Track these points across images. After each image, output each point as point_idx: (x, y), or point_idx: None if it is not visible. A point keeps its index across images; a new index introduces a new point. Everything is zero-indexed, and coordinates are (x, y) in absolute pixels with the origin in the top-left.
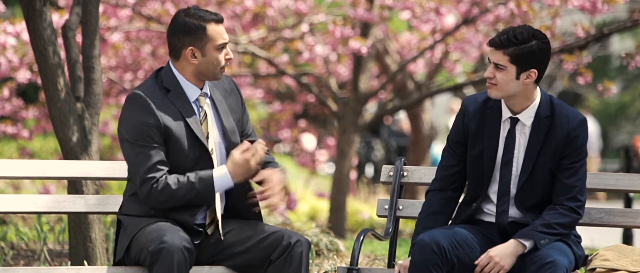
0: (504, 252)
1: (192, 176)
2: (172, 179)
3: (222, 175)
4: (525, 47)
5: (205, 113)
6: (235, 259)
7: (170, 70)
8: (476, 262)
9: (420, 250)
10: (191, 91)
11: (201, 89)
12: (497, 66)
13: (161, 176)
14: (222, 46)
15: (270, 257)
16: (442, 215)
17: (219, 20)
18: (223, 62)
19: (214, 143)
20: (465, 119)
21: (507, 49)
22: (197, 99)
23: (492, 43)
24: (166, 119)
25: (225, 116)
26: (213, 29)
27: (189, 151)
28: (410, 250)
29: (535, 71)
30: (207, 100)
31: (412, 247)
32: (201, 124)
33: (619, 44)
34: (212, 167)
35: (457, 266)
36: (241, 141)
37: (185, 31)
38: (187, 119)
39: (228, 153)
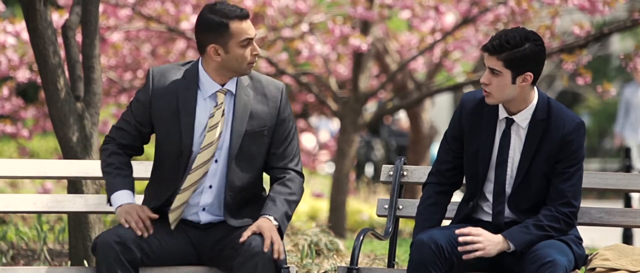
0: (493, 241)
1: (113, 172)
2: (109, 154)
3: (118, 199)
4: (518, 52)
5: (217, 107)
6: (222, 262)
7: (197, 62)
8: (464, 231)
9: (419, 249)
10: (209, 86)
11: (223, 85)
12: (492, 71)
13: (114, 141)
14: (247, 42)
15: (233, 263)
16: (439, 206)
17: (244, 16)
18: (249, 58)
19: (215, 139)
20: (462, 115)
21: (500, 54)
22: (215, 94)
23: (485, 48)
24: (158, 103)
25: (240, 118)
26: (236, 25)
27: (169, 140)
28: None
29: (531, 74)
30: (228, 97)
31: (412, 245)
32: (209, 118)
33: (619, 44)
34: (180, 163)
35: (456, 265)
36: (270, 154)
37: (208, 28)
38: (181, 110)
39: (230, 155)
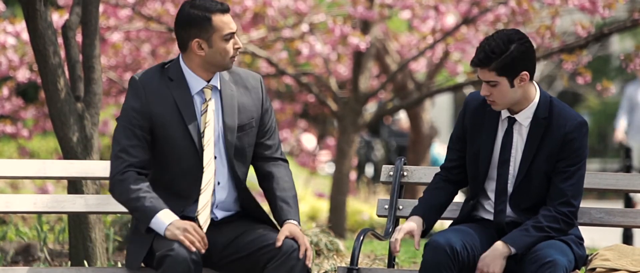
0: (494, 255)
1: (145, 197)
2: (132, 181)
3: (162, 220)
4: (506, 57)
5: (207, 105)
6: (232, 264)
7: (178, 61)
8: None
9: (433, 251)
10: (195, 83)
11: (208, 81)
12: (489, 83)
13: (130, 164)
14: (229, 36)
15: (267, 266)
16: (443, 190)
17: (225, 10)
18: (231, 52)
19: (212, 135)
20: (466, 116)
21: (490, 66)
22: (202, 91)
23: (474, 64)
24: (156, 107)
25: (229, 112)
26: (219, 19)
27: (179, 142)
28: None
29: (526, 72)
30: (214, 92)
31: (426, 245)
32: (202, 115)
33: (619, 44)
34: (199, 162)
35: (467, 266)
36: (257, 145)
37: (191, 23)
38: (181, 110)
39: (228, 150)
